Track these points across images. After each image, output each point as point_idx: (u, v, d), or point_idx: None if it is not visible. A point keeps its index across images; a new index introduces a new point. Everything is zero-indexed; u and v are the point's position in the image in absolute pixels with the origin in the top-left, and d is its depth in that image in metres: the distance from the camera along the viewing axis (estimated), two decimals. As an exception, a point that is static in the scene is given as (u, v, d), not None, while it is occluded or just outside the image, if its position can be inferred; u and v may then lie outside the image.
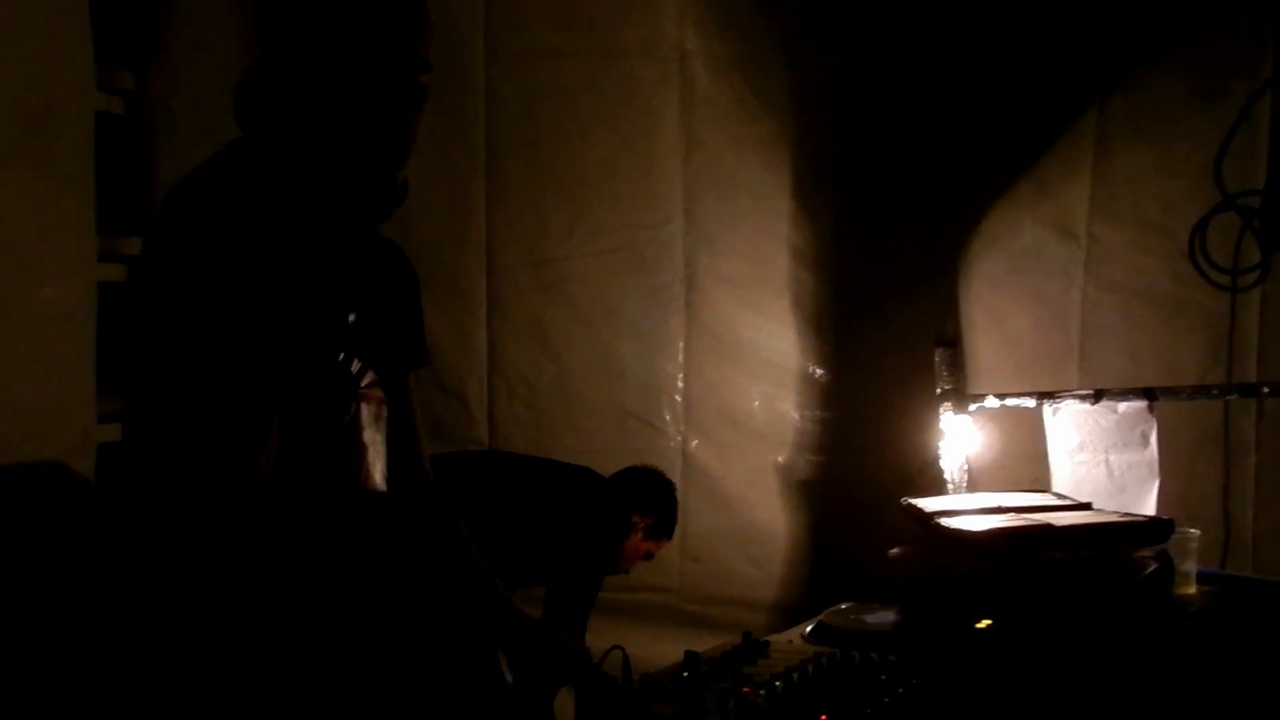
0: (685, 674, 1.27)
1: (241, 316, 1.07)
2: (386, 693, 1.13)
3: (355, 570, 1.18)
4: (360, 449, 1.21)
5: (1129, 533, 1.61)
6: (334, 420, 1.18)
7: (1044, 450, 2.11)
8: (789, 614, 2.64)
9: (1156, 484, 1.97)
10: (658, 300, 2.67)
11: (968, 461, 2.21)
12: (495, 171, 2.66)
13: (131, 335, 1.15)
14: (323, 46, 1.12)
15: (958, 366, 2.20)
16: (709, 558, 2.70)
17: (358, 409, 1.21)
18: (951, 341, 2.15)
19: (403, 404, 1.32)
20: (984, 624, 1.44)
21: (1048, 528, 1.56)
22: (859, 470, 2.60)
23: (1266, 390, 2.13)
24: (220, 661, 1.08)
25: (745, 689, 1.20)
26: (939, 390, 2.15)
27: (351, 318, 1.19)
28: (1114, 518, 1.68)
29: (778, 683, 1.20)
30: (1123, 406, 2.00)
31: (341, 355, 1.18)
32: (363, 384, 1.22)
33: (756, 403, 2.69)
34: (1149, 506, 1.96)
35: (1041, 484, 2.09)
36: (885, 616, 1.53)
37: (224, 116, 1.22)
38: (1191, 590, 1.78)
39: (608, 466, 2.72)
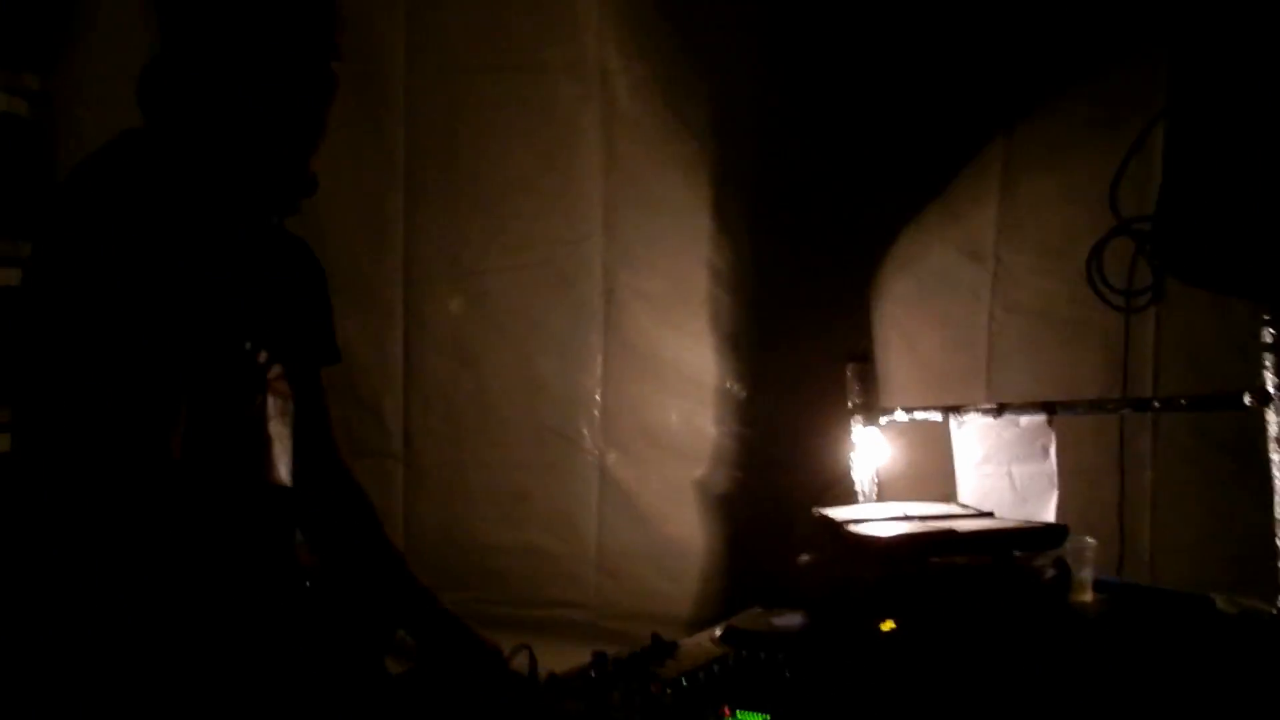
0: (592, 673, 1.27)
1: (140, 305, 1.04)
2: (277, 686, 1.11)
3: (256, 564, 1.15)
4: (265, 442, 1.19)
5: (1025, 538, 1.66)
6: (240, 411, 1.16)
7: (951, 463, 2.16)
8: (706, 628, 2.65)
9: (1055, 494, 2.03)
10: (577, 315, 2.68)
11: (878, 474, 2.25)
12: (414, 184, 2.65)
13: (27, 330, 1.12)
14: (227, 31, 1.11)
15: (869, 382, 2.24)
16: (625, 574, 2.69)
17: (264, 401, 1.19)
18: (863, 356, 2.20)
19: (315, 400, 1.31)
20: (887, 626, 1.47)
21: (949, 533, 1.60)
22: (774, 484, 2.63)
23: (1158, 405, 2.22)
24: (127, 656, 1.05)
25: (652, 686, 1.20)
26: (850, 404, 2.19)
27: (253, 308, 1.17)
28: (1012, 524, 1.73)
29: (684, 680, 1.21)
30: (1024, 420, 2.06)
31: (248, 345, 1.16)
32: (270, 376, 1.20)
33: (674, 418, 2.71)
34: (1049, 516, 2.01)
35: (949, 496, 2.14)
36: (792, 619, 1.55)
37: (130, 119, 1.19)
38: (1088, 597, 1.83)
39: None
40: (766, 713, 1.13)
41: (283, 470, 1.21)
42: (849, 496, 2.27)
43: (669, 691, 1.18)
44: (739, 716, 1.09)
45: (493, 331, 2.68)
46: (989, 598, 1.55)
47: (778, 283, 2.70)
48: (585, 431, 2.69)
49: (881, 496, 2.24)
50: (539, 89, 2.64)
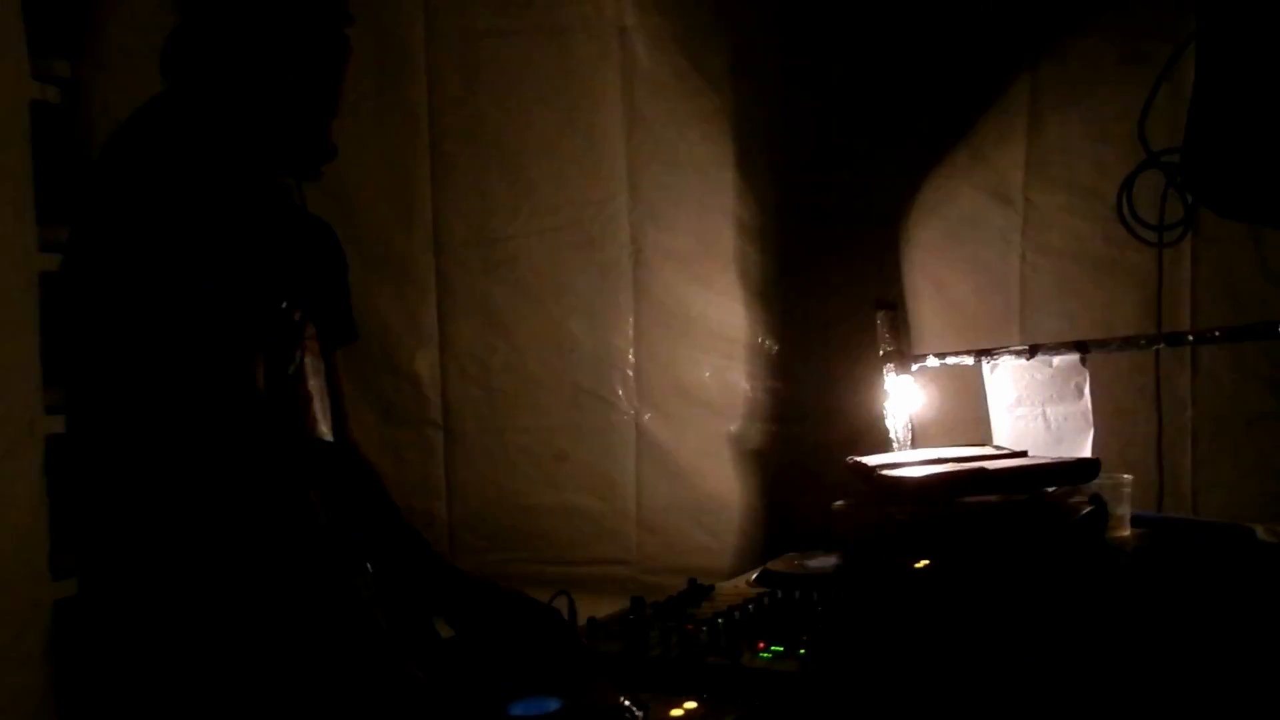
0: (631, 616, 1.30)
1: (189, 261, 1.08)
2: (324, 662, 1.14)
3: (313, 526, 1.18)
4: (306, 398, 1.23)
5: (1057, 473, 1.66)
6: (282, 368, 1.20)
7: (985, 407, 2.16)
8: (745, 581, 2.68)
9: (1091, 433, 2.03)
10: (606, 276, 2.70)
11: (911, 420, 2.25)
12: (439, 153, 2.67)
13: (87, 300, 1.15)
14: (244, 6, 1.13)
15: (900, 329, 2.24)
16: (664, 529, 2.73)
17: (302, 357, 1.22)
18: (892, 304, 2.20)
19: (332, 377, 1.34)
20: (921, 564, 1.48)
21: (980, 471, 1.60)
22: (808, 436, 2.65)
23: (1192, 339, 2.20)
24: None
25: (688, 626, 1.22)
26: (881, 352, 2.19)
27: (283, 270, 1.20)
28: (1043, 461, 1.73)
29: (719, 619, 1.23)
30: (1057, 360, 2.05)
31: (284, 304, 1.19)
32: (305, 335, 1.23)
33: (707, 374, 2.72)
34: (1085, 455, 2.01)
35: (983, 440, 2.14)
36: (826, 561, 1.56)
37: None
38: (1126, 533, 1.83)
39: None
40: (800, 647, 1.15)
41: (324, 425, 1.24)
42: (882, 444, 2.28)
43: (704, 629, 1.21)
44: (773, 650, 1.11)
45: (523, 296, 2.71)
46: (1021, 534, 1.56)
47: (805, 234, 2.69)
48: (620, 391, 2.72)
49: (915, 443, 2.24)
50: (557, 50, 2.64)
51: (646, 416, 2.72)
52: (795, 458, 2.68)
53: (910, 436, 2.24)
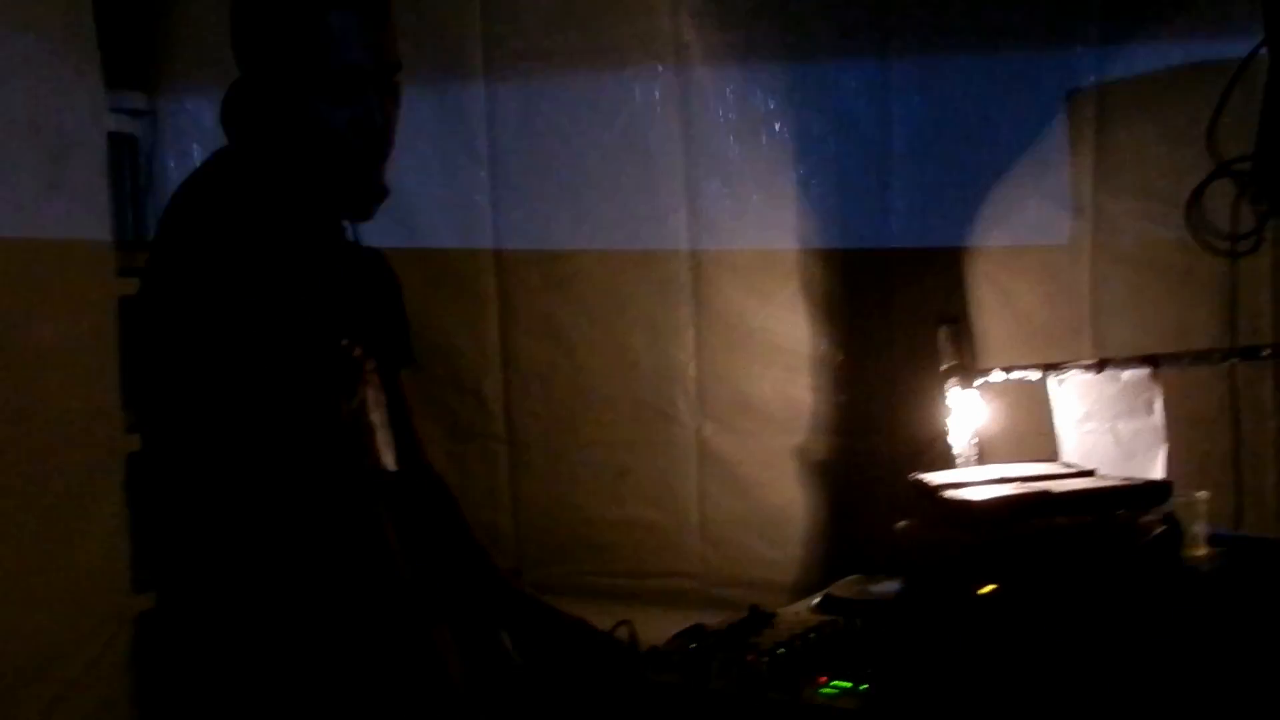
0: (692, 645, 1.30)
1: (256, 307, 1.11)
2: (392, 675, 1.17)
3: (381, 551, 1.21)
4: (369, 430, 1.26)
5: (1127, 496, 1.62)
6: (345, 404, 1.23)
7: (1050, 422, 2.12)
8: (808, 594, 2.66)
9: (1164, 450, 1.98)
10: (666, 291, 2.70)
11: (977, 436, 2.22)
12: (499, 173, 2.71)
13: (153, 344, 1.20)
14: (296, 56, 1.17)
15: (964, 343, 2.20)
16: (728, 543, 2.73)
17: (364, 392, 1.26)
18: (954, 318, 2.16)
19: (397, 398, 1.37)
20: (987, 589, 1.47)
21: (1045, 494, 1.58)
22: (871, 449, 2.62)
23: (1267, 353, 2.13)
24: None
25: (749, 656, 1.23)
26: (944, 367, 2.16)
27: (341, 308, 1.23)
28: (1112, 482, 1.69)
29: (780, 649, 1.23)
30: (1126, 374, 2.00)
31: (344, 341, 1.23)
32: (365, 369, 1.27)
33: (768, 387, 2.71)
34: (1157, 472, 1.96)
35: (1051, 456, 2.10)
36: (889, 586, 1.55)
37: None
38: (1202, 552, 1.78)
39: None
40: (863, 681, 1.14)
41: (387, 457, 1.28)
42: (946, 460, 2.25)
43: (765, 661, 1.21)
44: (835, 685, 1.11)
45: (583, 312, 2.73)
46: (1091, 558, 1.53)
47: (867, 245, 2.67)
48: (681, 405, 2.72)
49: (981, 459, 2.21)
50: (614, 68, 2.66)
51: (708, 430, 2.72)
52: (859, 471, 2.65)
53: (975, 452, 2.21)
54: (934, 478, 1.87)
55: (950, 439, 2.17)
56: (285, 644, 1.14)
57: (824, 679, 1.13)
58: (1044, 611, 1.45)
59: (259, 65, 1.19)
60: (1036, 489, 1.62)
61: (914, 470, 2.19)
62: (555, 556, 2.77)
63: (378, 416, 1.28)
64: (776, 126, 2.65)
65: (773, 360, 2.71)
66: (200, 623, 1.17)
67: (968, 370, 2.15)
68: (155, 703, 2.26)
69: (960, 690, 1.16)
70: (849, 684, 1.11)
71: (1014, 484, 1.73)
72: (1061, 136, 2.54)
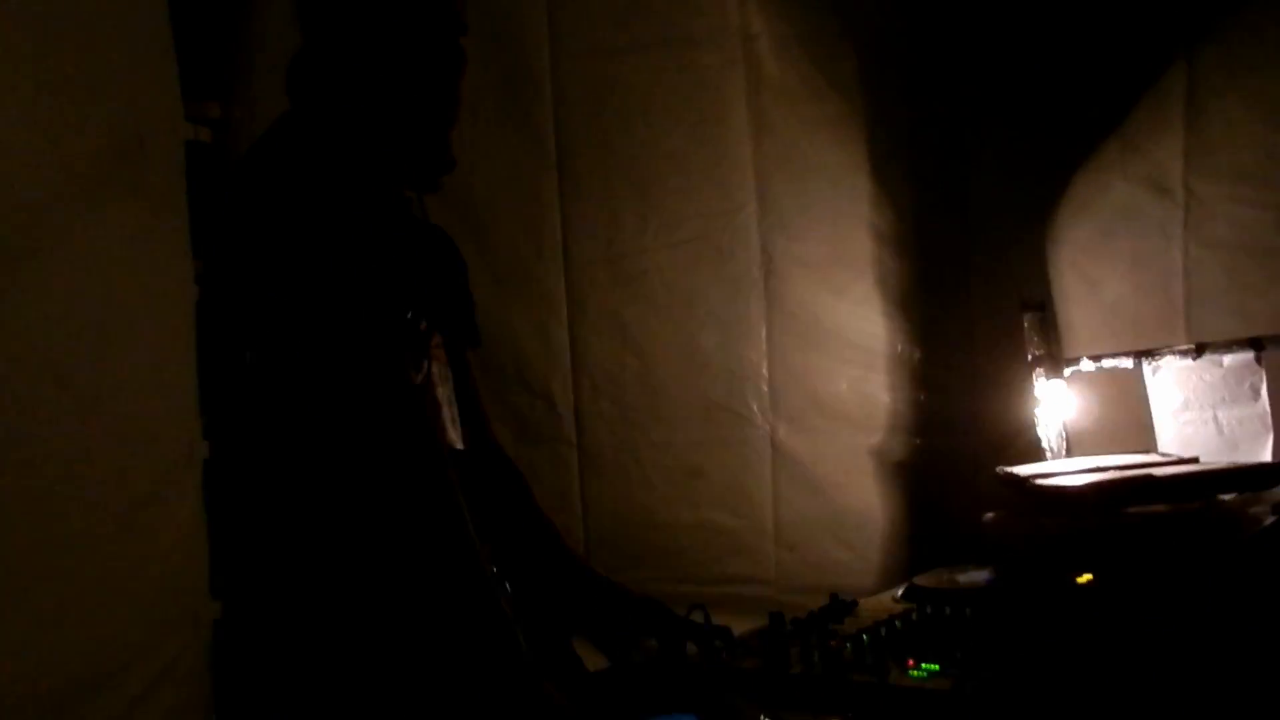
0: (770, 632, 1.25)
1: (324, 278, 1.09)
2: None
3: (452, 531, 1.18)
4: (435, 406, 1.23)
5: (1232, 480, 1.52)
6: (413, 376, 1.20)
7: (1145, 412, 2.01)
8: (889, 600, 2.58)
9: (1270, 438, 1.86)
10: (737, 288, 2.65)
11: (1065, 428, 2.12)
12: (567, 171, 2.69)
13: (223, 317, 1.18)
14: (360, 18, 1.15)
15: (1050, 332, 2.10)
16: (804, 547, 2.65)
17: (429, 367, 1.23)
18: (1040, 305, 2.07)
19: (464, 378, 1.34)
20: (1084, 579, 1.38)
21: (1147, 479, 1.48)
22: (952, 447, 2.53)
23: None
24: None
25: (831, 642, 1.16)
26: (1030, 356, 2.06)
27: (408, 280, 1.20)
28: (1216, 467, 1.59)
29: (864, 635, 1.17)
30: (1228, 360, 1.89)
31: (410, 314, 1.20)
32: (431, 345, 1.24)
33: (844, 386, 2.64)
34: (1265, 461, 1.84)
35: (1145, 449, 1.99)
36: (977, 575, 1.47)
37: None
38: (1316, 546, 1.66)
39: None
40: (952, 665, 1.07)
41: (453, 434, 1.25)
42: (1034, 454, 2.15)
43: (848, 646, 1.14)
44: (924, 668, 1.04)
45: (653, 311, 2.69)
46: (1194, 547, 1.43)
47: (944, 238, 2.59)
48: (754, 405, 2.66)
49: (1071, 452, 2.11)
50: (683, 62, 2.62)
51: (782, 430, 2.66)
52: (939, 470, 2.56)
53: (1064, 445, 2.11)
54: (1024, 469, 1.79)
55: (1038, 431, 2.07)
56: (359, 630, 1.11)
57: (911, 662, 1.06)
58: (1143, 603, 1.36)
59: (324, 29, 1.17)
60: (1136, 474, 1.52)
61: (996, 465, 2.11)
62: (626, 562, 2.72)
63: (444, 393, 1.25)
64: (849, 119, 2.59)
65: (847, 358, 2.64)
66: (274, 617, 1.15)
67: (1055, 359, 2.05)
68: (231, 708, 2.27)
69: (1057, 679, 1.08)
70: (936, 666, 1.03)
71: (1110, 473, 1.63)
72: (1149, 115, 2.44)
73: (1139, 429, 2.01)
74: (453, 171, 1.25)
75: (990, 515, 1.64)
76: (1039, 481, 1.62)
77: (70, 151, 2.02)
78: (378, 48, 1.15)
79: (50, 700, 1.85)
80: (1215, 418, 1.90)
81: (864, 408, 2.63)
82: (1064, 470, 1.76)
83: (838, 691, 1.05)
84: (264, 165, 1.17)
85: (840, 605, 1.33)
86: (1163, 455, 1.84)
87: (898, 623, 1.23)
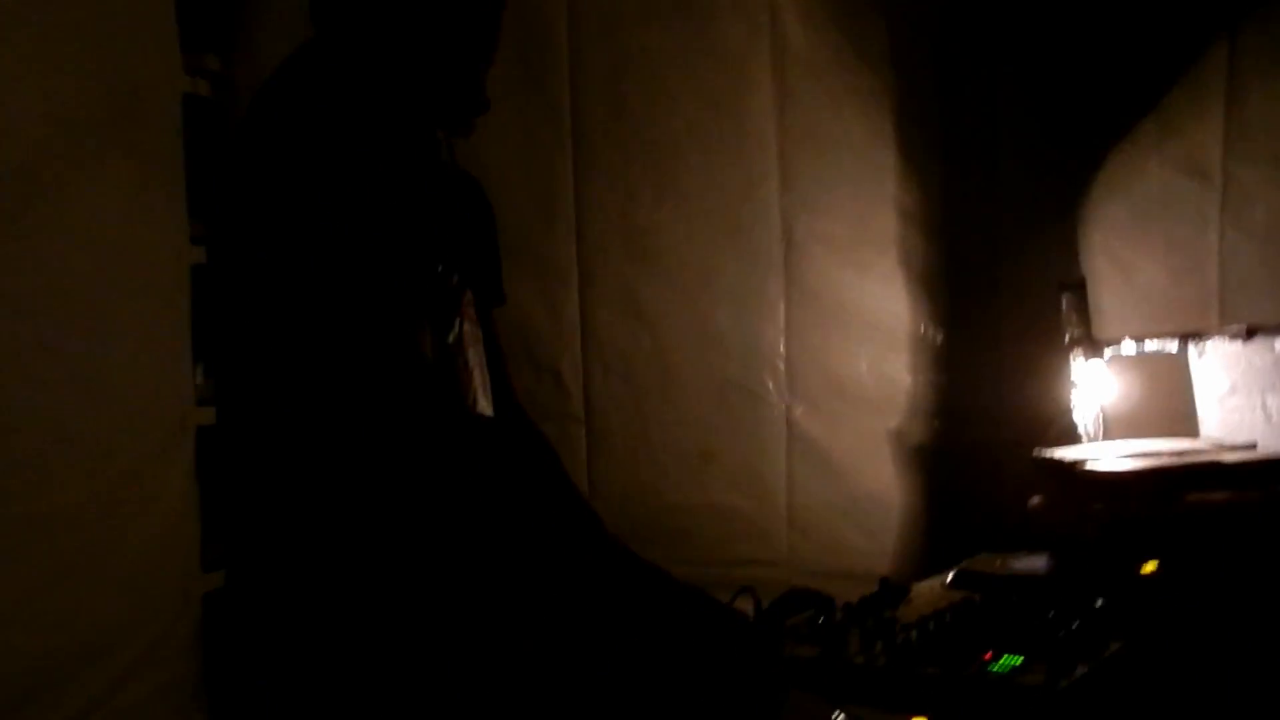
0: (820, 620, 1.17)
1: (344, 226, 0.99)
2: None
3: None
4: (467, 370, 1.14)
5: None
6: (442, 338, 1.11)
7: (1185, 397, 1.94)
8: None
9: (1321, 426, 1.79)
10: (755, 265, 2.57)
11: (1102, 412, 2.04)
12: (582, 142, 2.60)
13: (233, 271, 1.08)
14: None
15: (1086, 313, 2.03)
16: (817, 530, 2.58)
17: (462, 325, 1.14)
18: (1079, 286, 1.99)
19: (492, 339, 1.25)
20: (1149, 568, 1.31)
21: (1213, 465, 1.41)
22: (974, 431, 2.46)
23: None
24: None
25: (897, 630, 1.08)
26: (1067, 338, 1.99)
27: (437, 230, 1.11)
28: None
29: (930, 624, 1.09)
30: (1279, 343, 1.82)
31: (440, 267, 1.11)
32: (463, 300, 1.14)
33: (864, 367, 2.56)
34: (1315, 450, 1.77)
35: (1185, 434, 1.92)
36: (1033, 562, 1.40)
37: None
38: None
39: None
40: (1038, 657, 0.98)
41: (484, 401, 1.15)
42: (1067, 438, 2.07)
43: (913, 634, 1.07)
44: (1004, 661, 0.96)
45: (668, 288, 2.61)
46: (1263, 536, 1.36)
47: (971, 217, 2.51)
48: (770, 385, 2.58)
49: (1107, 437, 2.03)
50: (705, 33, 2.54)
51: (798, 411, 2.58)
52: (960, 455, 2.49)
53: (1101, 431, 2.03)
54: (1066, 453, 1.71)
55: (1073, 415, 1.99)
56: (367, 618, 1.02)
57: (989, 654, 0.98)
58: (1216, 594, 1.29)
59: None
60: (1201, 459, 1.44)
61: (1024, 451, 2.04)
62: (633, 543, 2.62)
63: (474, 356, 1.15)
64: (875, 93, 2.51)
65: (868, 337, 2.56)
66: (277, 598, 1.05)
67: (1094, 341, 1.97)
68: (223, 684, 2.18)
69: (1150, 671, 1.01)
70: (1020, 659, 0.95)
71: (1165, 458, 1.56)
72: (1187, 96, 2.37)
73: (1180, 414, 1.95)
74: (487, 113, 1.16)
75: (1037, 500, 1.56)
76: (1090, 467, 1.54)
77: (64, 106, 1.92)
78: None
79: (32, 676, 1.76)
80: (1264, 404, 1.84)
81: (883, 389, 2.56)
82: (1108, 455, 1.68)
83: (908, 684, 0.97)
84: (281, 97, 1.06)
85: (893, 591, 1.25)
86: (1210, 441, 1.76)
87: (962, 609, 1.15)
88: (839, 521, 2.57)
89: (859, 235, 2.55)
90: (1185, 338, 1.91)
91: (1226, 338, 1.86)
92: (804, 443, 2.57)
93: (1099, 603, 1.13)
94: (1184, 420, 1.91)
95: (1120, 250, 2.41)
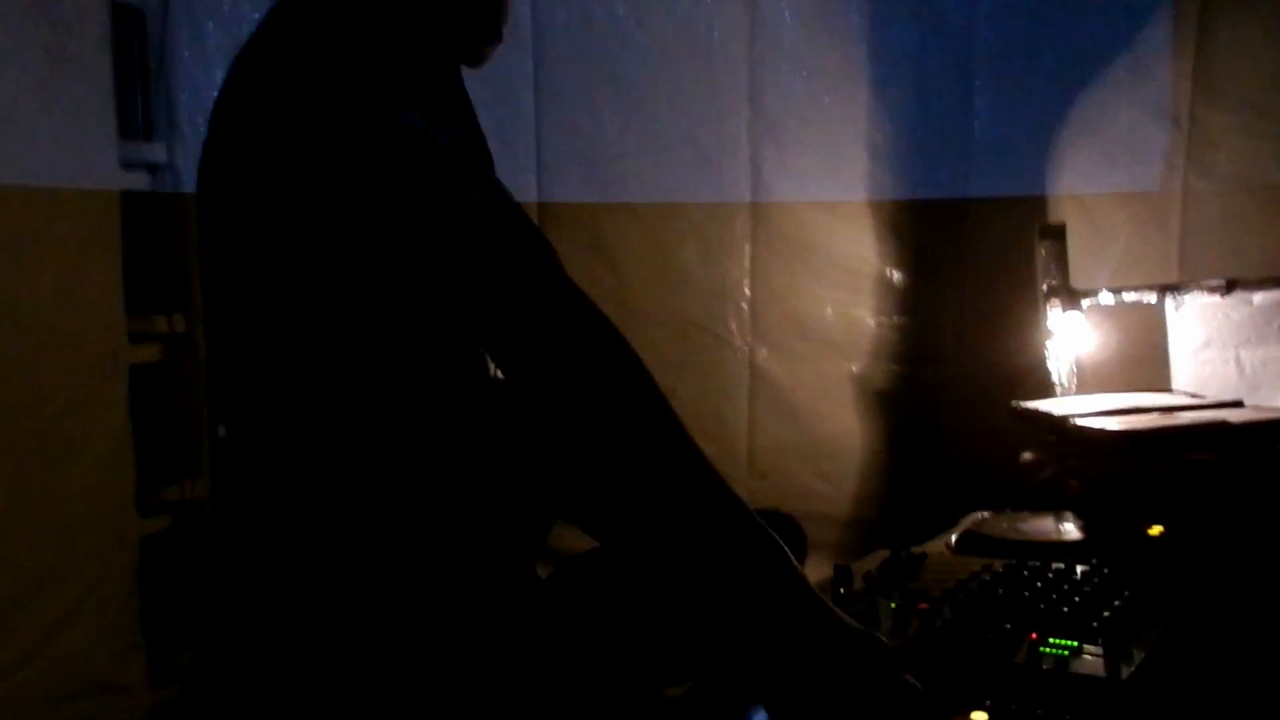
0: (840, 589, 1.12)
1: (364, 161, 0.87)
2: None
3: None
4: None
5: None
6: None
7: (1158, 349, 1.95)
8: (862, 530, 2.51)
9: (1294, 381, 1.81)
10: (722, 200, 2.49)
11: (1076, 363, 2.04)
12: (542, 62, 2.45)
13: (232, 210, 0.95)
14: None
15: (1064, 261, 2.01)
16: (776, 472, 2.56)
17: None
18: (1059, 233, 1.97)
19: None
20: (1155, 530, 1.30)
21: (1222, 424, 1.40)
22: (939, 377, 2.45)
23: None
24: None
25: (922, 605, 1.05)
26: (1044, 286, 1.97)
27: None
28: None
29: (960, 594, 1.05)
30: (1258, 298, 1.83)
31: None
32: None
33: (829, 309, 2.52)
34: (1285, 405, 1.80)
35: (1156, 386, 1.93)
36: (1042, 524, 1.37)
37: (246, 9, 1.01)
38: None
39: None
40: (1092, 640, 0.94)
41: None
42: (1038, 390, 2.07)
43: (947, 610, 1.03)
44: (1059, 644, 0.92)
45: (631, 221, 2.51)
46: (1264, 494, 1.36)
47: (943, 157, 2.47)
48: (733, 325, 2.53)
49: (1080, 389, 2.03)
50: (675, -48, 2.40)
51: (761, 353, 2.54)
52: (924, 401, 2.49)
53: (1074, 382, 2.03)
54: (1050, 405, 1.69)
55: (1048, 365, 1.98)
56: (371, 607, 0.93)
57: (1034, 635, 0.95)
58: (1218, 553, 1.28)
59: None
60: (1211, 418, 1.43)
61: (996, 398, 2.03)
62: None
63: None
64: (851, 19, 2.42)
65: (834, 279, 2.52)
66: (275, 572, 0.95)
67: (1071, 291, 1.96)
68: (164, 630, 2.08)
69: (1212, 653, 0.99)
70: (1076, 642, 0.92)
71: (1155, 414, 1.55)
72: (1160, 38, 2.34)
73: (1152, 366, 1.95)
74: (499, 43, 1.05)
75: (1029, 456, 1.54)
76: (1081, 422, 1.52)
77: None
78: None
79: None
80: (1237, 358, 1.85)
81: (848, 332, 2.53)
82: (1088, 409, 1.67)
83: (954, 674, 0.93)
84: (288, 24, 0.93)
85: (908, 559, 1.21)
86: (1191, 395, 1.77)
87: (989, 580, 1.11)
88: (798, 465, 2.55)
89: (828, 172, 2.48)
90: (1164, 290, 1.90)
91: (1205, 291, 1.85)
92: (765, 385, 2.53)
93: (1131, 575, 1.11)
94: (1148, 373, 1.91)
95: (1085, 195, 2.40)
